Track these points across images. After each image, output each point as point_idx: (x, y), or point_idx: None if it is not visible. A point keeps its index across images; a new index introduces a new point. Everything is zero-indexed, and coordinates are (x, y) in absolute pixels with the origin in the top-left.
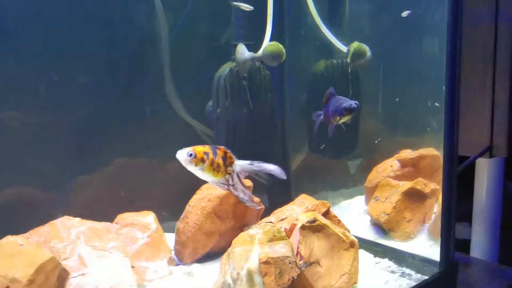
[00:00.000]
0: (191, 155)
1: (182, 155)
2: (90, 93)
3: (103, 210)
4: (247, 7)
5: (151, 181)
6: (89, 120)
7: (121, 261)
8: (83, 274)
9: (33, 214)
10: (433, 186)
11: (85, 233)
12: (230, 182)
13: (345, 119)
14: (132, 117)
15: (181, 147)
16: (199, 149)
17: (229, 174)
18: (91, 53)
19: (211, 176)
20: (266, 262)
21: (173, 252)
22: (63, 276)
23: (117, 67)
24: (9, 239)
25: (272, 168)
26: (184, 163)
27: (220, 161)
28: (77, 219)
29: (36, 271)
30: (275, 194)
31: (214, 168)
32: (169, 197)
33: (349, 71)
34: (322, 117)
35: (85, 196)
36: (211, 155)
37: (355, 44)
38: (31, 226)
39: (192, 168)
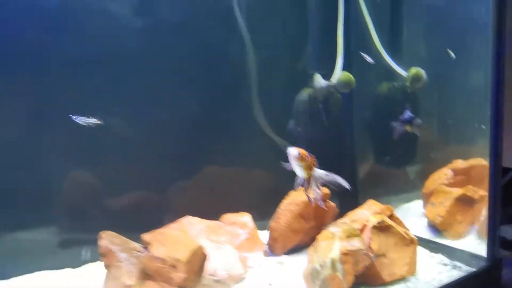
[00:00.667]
0: (299, 153)
1: (294, 152)
2: (194, 115)
3: (201, 212)
4: (370, 60)
5: (241, 188)
6: (192, 136)
7: (232, 252)
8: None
9: (147, 214)
10: (482, 192)
11: (204, 229)
12: (306, 183)
13: (407, 127)
14: (227, 135)
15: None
16: (304, 151)
17: (309, 176)
18: (194, 81)
19: (304, 173)
20: (346, 253)
21: (266, 246)
22: (204, 259)
23: (217, 95)
24: (170, 231)
25: (340, 181)
26: (291, 157)
27: (311, 164)
28: (197, 218)
29: (192, 254)
30: (345, 199)
31: (307, 168)
32: (255, 201)
33: (408, 92)
34: (402, 127)
35: (187, 199)
36: (309, 158)
37: (414, 70)
38: (148, 224)
39: (295, 163)
